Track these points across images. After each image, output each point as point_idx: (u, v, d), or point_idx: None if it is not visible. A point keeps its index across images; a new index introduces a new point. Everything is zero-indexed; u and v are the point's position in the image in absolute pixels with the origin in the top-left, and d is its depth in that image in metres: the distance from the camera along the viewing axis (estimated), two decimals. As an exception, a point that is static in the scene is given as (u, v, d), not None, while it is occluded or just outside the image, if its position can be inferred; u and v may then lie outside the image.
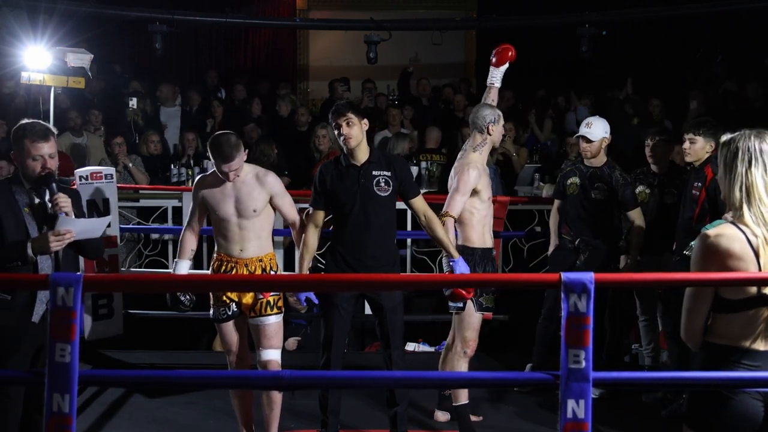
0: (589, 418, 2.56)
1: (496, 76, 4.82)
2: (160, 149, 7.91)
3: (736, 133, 2.61)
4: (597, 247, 4.92)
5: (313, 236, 4.16)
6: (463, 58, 11.78)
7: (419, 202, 4.14)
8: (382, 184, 4.04)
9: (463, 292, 4.04)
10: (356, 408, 4.71)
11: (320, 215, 4.16)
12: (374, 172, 4.04)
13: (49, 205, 3.46)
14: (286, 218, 4.22)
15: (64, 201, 3.44)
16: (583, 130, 4.90)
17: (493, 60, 4.83)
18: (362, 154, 4.05)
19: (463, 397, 4.41)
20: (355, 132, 4.01)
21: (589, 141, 4.88)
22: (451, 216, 4.23)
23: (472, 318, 4.39)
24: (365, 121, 4.07)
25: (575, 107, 9.25)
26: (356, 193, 4.03)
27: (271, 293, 4.04)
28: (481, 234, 4.40)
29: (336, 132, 4.05)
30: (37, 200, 3.50)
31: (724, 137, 2.63)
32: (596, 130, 4.86)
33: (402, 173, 4.10)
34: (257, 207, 4.02)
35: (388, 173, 4.06)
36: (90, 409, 4.77)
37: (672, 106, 8.48)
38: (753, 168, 2.53)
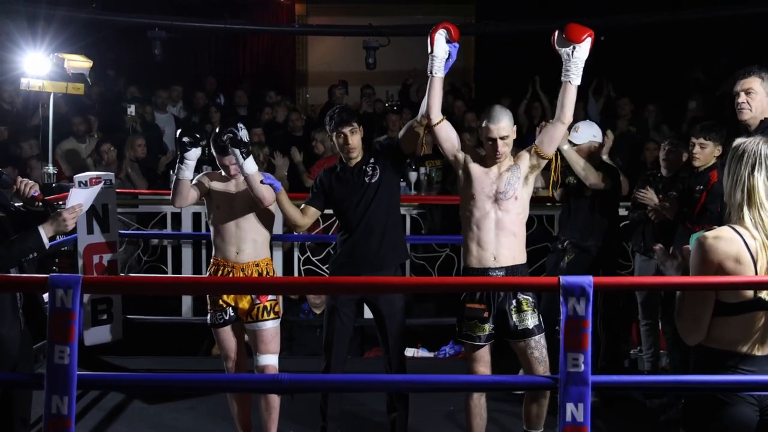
0: (588, 422, 2.57)
1: (570, 69, 4.05)
2: (145, 153, 7.81)
3: (748, 138, 2.62)
4: (585, 249, 4.89)
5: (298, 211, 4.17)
6: (461, 63, 11.78)
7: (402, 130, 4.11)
8: (369, 172, 4.08)
9: None
10: (355, 413, 4.71)
11: (310, 209, 4.20)
12: (363, 167, 4.10)
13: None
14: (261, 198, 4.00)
15: (30, 181, 3.34)
16: (571, 135, 4.94)
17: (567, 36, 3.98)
18: (358, 158, 4.11)
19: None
20: (358, 140, 4.08)
21: (575, 145, 4.92)
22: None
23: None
24: (361, 127, 4.12)
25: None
26: (351, 192, 4.08)
27: (268, 298, 4.05)
28: (468, 248, 3.79)
29: (339, 140, 4.07)
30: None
31: (736, 141, 2.64)
32: (582, 134, 4.94)
33: (380, 151, 4.12)
34: (252, 205, 4.05)
35: (372, 160, 4.11)
36: (89, 414, 4.76)
37: (669, 111, 8.48)
38: (756, 172, 2.54)
